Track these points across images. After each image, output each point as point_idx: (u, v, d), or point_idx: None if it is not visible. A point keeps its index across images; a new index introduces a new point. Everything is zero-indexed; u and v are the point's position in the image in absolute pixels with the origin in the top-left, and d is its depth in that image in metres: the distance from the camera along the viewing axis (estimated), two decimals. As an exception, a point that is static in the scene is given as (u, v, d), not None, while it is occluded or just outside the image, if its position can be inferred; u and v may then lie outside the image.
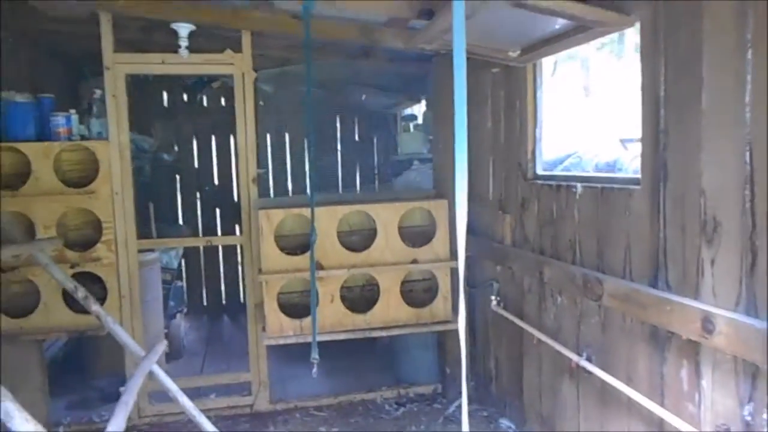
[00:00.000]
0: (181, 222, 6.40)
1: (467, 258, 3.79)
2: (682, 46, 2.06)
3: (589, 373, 2.67)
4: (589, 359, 2.69)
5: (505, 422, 3.66)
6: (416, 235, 3.95)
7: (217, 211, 6.57)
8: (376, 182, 6.63)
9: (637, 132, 2.40)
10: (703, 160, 1.98)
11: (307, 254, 3.66)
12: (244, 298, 6.39)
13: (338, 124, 6.73)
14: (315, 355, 3.08)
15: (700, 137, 1.98)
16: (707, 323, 1.90)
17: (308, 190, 6.35)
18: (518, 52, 2.99)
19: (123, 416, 1.91)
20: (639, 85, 2.30)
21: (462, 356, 1.42)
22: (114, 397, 3.99)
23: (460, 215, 1.31)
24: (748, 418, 1.82)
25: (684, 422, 2.08)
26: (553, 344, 2.97)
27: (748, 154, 1.79)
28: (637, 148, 2.64)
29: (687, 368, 2.10)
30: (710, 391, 2.00)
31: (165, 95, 6.29)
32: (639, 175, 2.35)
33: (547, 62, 3.31)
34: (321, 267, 3.62)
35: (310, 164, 3.91)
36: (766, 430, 1.71)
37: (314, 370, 3.08)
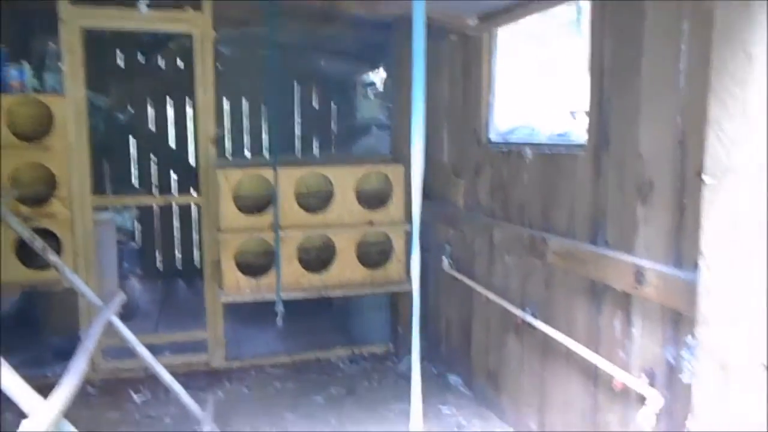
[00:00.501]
0: (135, 184, 6.31)
1: (421, 222, 3.93)
2: (626, 18, 2.19)
3: (533, 327, 2.84)
4: (533, 314, 2.86)
5: (453, 377, 3.84)
6: (372, 199, 4.05)
7: (172, 173, 6.51)
8: (333, 147, 6.68)
9: (585, 105, 2.54)
10: (641, 125, 2.13)
11: (265, 215, 3.74)
12: (200, 262, 6.46)
13: (296, 90, 6.72)
14: (280, 307, 3.18)
15: (639, 104, 2.13)
16: (639, 276, 2.07)
17: (265, 153, 6.41)
18: (476, 21, 3.09)
19: (84, 359, 1.97)
20: (588, 54, 2.43)
21: (415, 310, 1.52)
22: (67, 355, 4.03)
23: (416, 177, 1.39)
24: (671, 360, 2.01)
25: (615, 367, 2.26)
26: (501, 302, 3.14)
27: (680, 118, 1.94)
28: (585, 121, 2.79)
29: (620, 318, 2.28)
30: (639, 338, 2.18)
31: (119, 54, 6.15)
32: (585, 141, 2.50)
33: (504, 38, 3.41)
34: (279, 227, 3.69)
35: (270, 126, 3.93)
36: (684, 364, 1.89)
37: (279, 319, 3.19)
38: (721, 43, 1.54)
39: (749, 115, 1.47)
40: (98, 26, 3.76)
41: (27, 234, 2.60)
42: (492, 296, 3.23)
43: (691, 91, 1.89)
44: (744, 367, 1.50)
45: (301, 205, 3.83)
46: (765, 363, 1.44)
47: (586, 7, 2.56)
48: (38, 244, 2.59)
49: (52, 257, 2.59)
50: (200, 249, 6.50)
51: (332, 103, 6.71)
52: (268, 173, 3.73)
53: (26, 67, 3.58)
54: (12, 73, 3.53)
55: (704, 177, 1.61)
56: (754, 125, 1.46)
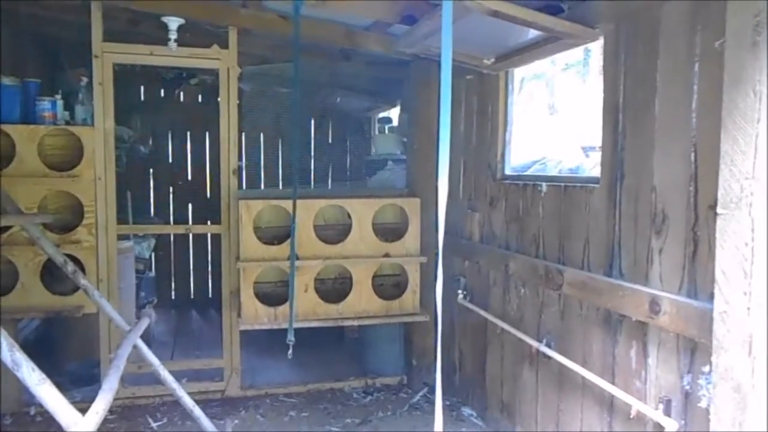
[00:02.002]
0: (153, 214, 6.44)
1: (436, 254, 4.00)
2: (640, 59, 2.30)
3: (548, 358, 2.89)
4: (548, 345, 2.91)
5: (467, 410, 3.86)
6: (389, 231, 4.14)
7: (190, 206, 6.64)
8: (348, 181, 6.80)
9: (597, 141, 2.64)
10: (655, 160, 2.22)
11: (284, 245, 3.84)
12: (213, 292, 6.54)
13: (312, 126, 6.89)
14: (291, 337, 3.23)
15: (653, 139, 2.22)
16: (654, 305, 2.13)
17: (281, 185, 6.54)
18: (492, 60, 3.22)
19: (116, 378, 2.03)
20: (601, 92, 2.54)
21: (437, 343, 1.58)
22: (86, 381, 4.10)
23: (441, 207, 1.47)
24: (687, 388, 2.05)
25: (632, 397, 2.30)
26: (516, 333, 3.18)
27: (693, 154, 2.03)
28: (597, 156, 2.89)
29: (635, 348, 2.33)
30: (655, 368, 2.22)
31: (143, 89, 6.36)
32: (599, 175, 2.59)
33: (515, 79, 3.55)
34: (297, 257, 3.77)
35: (293, 159, 4.05)
36: (701, 392, 1.94)
37: (290, 351, 3.23)
38: (731, 83, 1.64)
39: (759, 150, 1.56)
40: (129, 62, 3.92)
41: (60, 258, 2.69)
42: (507, 327, 3.28)
43: (702, 128, 1.98)
44: (759, 392, 1.55)
45: (319, 237, 3.92)
46: (780, 386, 1.50)
47: (595, 48, 2.68)
48: (70, 267, 2.68)
49: (82, 280, 2.68)
50: (214, 279, 6.59)
51: (347, 138, 6.86)
52: (287, 204, 3.83)
53: (58, 99, 3.73)
54: (44, 105, 3.68)
55: (718, 209, 1.69)
56: (763, 160, 1.55)
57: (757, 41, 1.56)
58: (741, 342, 1.62)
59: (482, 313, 3.57)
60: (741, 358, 1.62)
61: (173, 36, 3.69)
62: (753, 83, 1.57)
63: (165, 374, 2.74)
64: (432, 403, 4.06)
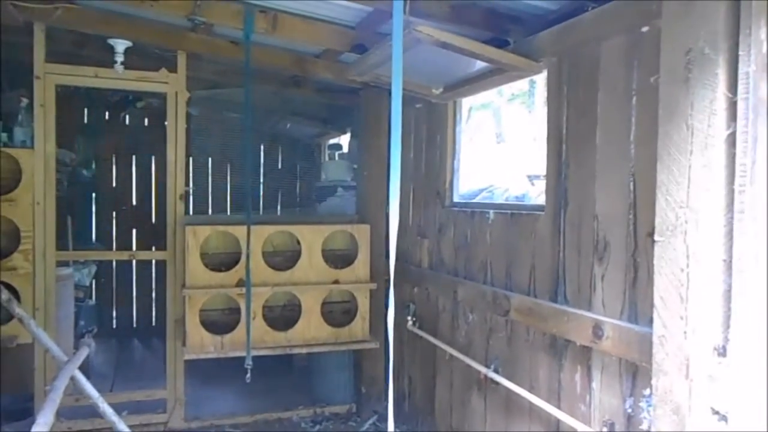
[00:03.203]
0: (95, 240, 6.24)
1: (386, 281, 4.01)
2: (581, 92, 2.39)
3: (496, 383, 2.91)
4: (496, 371, 2.94)
5: (416, 437, 3.84)
6: (338, 258, 4.13)
7: (134, 231, 6.47)
8: (297, 207, 6.78)
9: (542, 170, 2.72)
10: (596, 188, 2.30)
11: (231, 271, 3.78)
12: (157, 320, 6.35)
13: (262, 151, 6.85)
14: (249, 361, 3.20)
15: (595, 169, 2.30)
16: (597, 330, 2.19)
17: (229, 211, 6.45)
18: (441, 89, 3.29)
19: (51, 411, 1.94)
20: (545, 123, 2.62)
21: (389, 370, 1.58)
22: (18, 416, 3.89)
23: (393, 234, 1.47)
24: (630, 411, 2.10)
25: (577, 421, 2.34)
26: (464, 359, 3.20)
27: (632, 184, 2.11)
28: (542, 185, 2.97)
29: (580, 372, 2.37)
30: (599, 392, 2.27)
31: (86, 111, 6.20)
32: (544, 203, 2.66)
33: (463, 108, 3.63)
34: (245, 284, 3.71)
35: (246, 185, 4.02)
36: (642, 414, 1.99)
37: (248, 375, 3.20)
38: (665, 117, 1.73)
39: (693, 181, 1.64)
40: (73, 84, 3.83)
41: (-7, 286, 2.57)
42: (456, 353, 3.30)
43: (640, 159, 2.07)
44: (696, 413, 1.60)
45: (268, 263, 3.87)
46: (713, 407, 1.56)
47: (539, 80, 2.78)
48: (4, 295, 2.56)
49: (18, 309, 2.56)
50: (158, 307, 6.41)
51: (297, 164, 6.85)
52: (235, 230, 3.78)
53: (-4, 121, 3.61)
54: (-20, 126, 3.55)
55: (656, 236, 1.76)
56: (696, 190, 1.63)
57: (688, 78, 1.65)
58: (678, 365, 1.67)
59: (431, 339, 3.58)
60: (679, 380, 1.67)
61: (120, 58, 3.63)
62: (686, 117, 1.65)
63: (104, 407, 2.63)
64: (381, 431, 4.03)
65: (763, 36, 1.50)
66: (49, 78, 3.60)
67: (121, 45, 3.61)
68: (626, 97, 2.14)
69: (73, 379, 2.57)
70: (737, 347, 1.53)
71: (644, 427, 1.96)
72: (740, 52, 1.52)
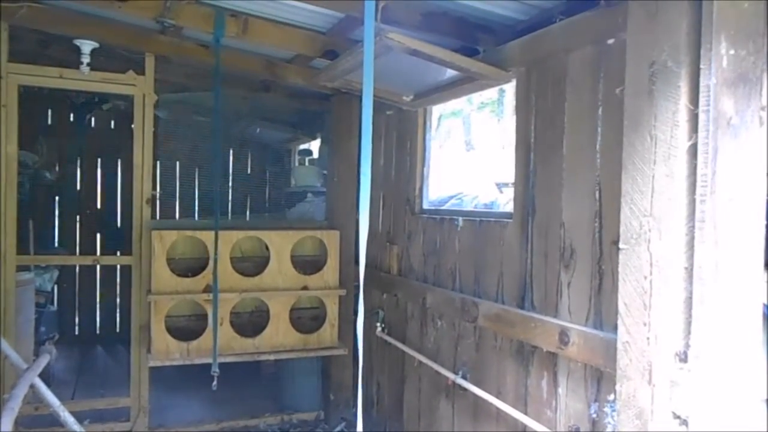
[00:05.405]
0: (57, 245, 6.10)
1: (356, 286, 4.01)
2: (549, 101, 2.43)
3: (464, 389, 2.93)
4: (464, 377, 2.95)
5: (384, 444, 3.83)
6: (307, 264, 4.11)
7: (98, 236, 6.34)
8: (266, 213, 6.72)
9: (510, 178, 2.75)
10: (563, 197, 2.34)
11: (198, 277, 3.73)
12: (122, 326, 6.22)
13: (231, 156, 6.78)
14: (215, 368, 3.16)
15: (562, 177, 2.34)
16: (563, 336, 2.22)
17: (196, 216, 6.37)
18: (411, 96, 3.31)
19: (9, 420, 1.89)
20: (514, 131, 2.66)
21: (358, 377, 1.57)
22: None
23: (363, 240, 1.47)
24: (594, 416, 2.14)
25: (543, 426, 2.37)
26: (433, 365, 3.21)
27: (598, 192, 2.15)
28: (510, 192, 3.01)
29: (546, 378, 2.40)
30: (564, 397, 2.30)
31: (50, 112, 6.07)
32: (512, 210, 2.69)
33: (433, 116, 3.66)
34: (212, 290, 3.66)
35: (215, 189, 3.97)
36: (606, 420, 2.02)
37: (214, 383, 3.16)
38: (630, 128, 1.77)
39: (656, 190, 1.68)
40: (37, 84, 3.75)
41: (-50, 291, 2.49)
42: (424, 360, 3.30)
43: (606, 168, 2.11)
44: (657, 416, 1.64)
45: (236, 269, 3.83)
46: (674, 411, 1.59)
47: (509, 89, 2.82)
48: (-39, 301, 2.48)
49: (-25, 316, 2.49)
50: (122, 313, 6.28)
51: (267, 169, 6.80)
52: (202, 235, 3.74)
53: (-45, 121, 3.50)
54: (-61, 126, 3.44)
55: (620, 244, 1.80)
56: (659, 199, 1.67)
57: (652, 90, 1.69)
58: (642, 370, 1.71)
59: (400, 345, 3.59)
60: (642, 385, 1.70)
61: (86, 60, 3.57)
62: (649, 128, 1.69)
63: (65, 415, 2.56)
64: (349, 438, 4.01)
65: (723, 50, 1.55)
66: (12, 78, 3.52)
67: (87, 46, 3.54)
68: (592, 108, 2.18)
69: (33, 387, 2.49)
70: (698, 353, 1.57)
71: (608, 431, 1.99)
72: (701, 66, 1.57)
